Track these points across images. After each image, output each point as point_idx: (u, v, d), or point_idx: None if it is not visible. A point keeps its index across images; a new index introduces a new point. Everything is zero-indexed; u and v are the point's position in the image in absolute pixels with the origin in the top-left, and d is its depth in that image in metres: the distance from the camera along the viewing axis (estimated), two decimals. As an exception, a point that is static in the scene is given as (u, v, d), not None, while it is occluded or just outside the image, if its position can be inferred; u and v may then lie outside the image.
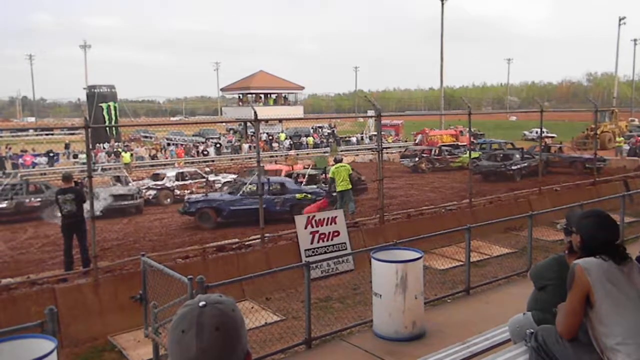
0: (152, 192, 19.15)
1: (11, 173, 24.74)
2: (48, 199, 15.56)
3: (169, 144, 38.53)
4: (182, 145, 37.58)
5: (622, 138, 33.08)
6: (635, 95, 74.99)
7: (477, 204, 13.37)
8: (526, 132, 43.04)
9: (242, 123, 42.28)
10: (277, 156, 33.77)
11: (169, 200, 19.10)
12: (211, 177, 21.31)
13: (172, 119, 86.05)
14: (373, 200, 15.03)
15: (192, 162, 30.70)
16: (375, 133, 21.80)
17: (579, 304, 2.77)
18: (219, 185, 20.13)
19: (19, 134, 48.36)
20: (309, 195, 14.96)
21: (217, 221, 14.62)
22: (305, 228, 9.96)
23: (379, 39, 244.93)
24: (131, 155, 31.08)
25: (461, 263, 8.94)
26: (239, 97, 55.75)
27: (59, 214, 9.65)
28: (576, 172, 20.64)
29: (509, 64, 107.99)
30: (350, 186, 13.28)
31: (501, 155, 23.03)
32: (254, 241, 10.11)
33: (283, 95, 54.62)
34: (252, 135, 39.92)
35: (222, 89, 62.32)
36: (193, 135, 41.73)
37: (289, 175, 18.81)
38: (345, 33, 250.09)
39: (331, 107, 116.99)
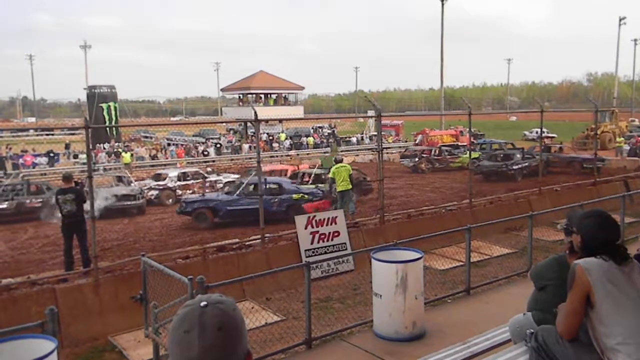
0: (154, 192, 19.20)
1: (12, 173, 24.75)
2: (49, 199, 15.55)
3: (169, 144, 38.55)
4: (182, 145, 37.59)
5: (622, 138, 33.08)
6: (636, 96, 74.99)
7: (477, 204, 13.37)
8: (526, 132, 43.00)
9: (243, 123, 42.26)
10: (277, 156, 33.78)
11: (170, 200, 19.09)
12: (213, 177, 21.29)
13: (172, 119, 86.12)
14: (373, 201, 15.05)
15: (193, 162, 30.70)
16: (376, 133, 21.83)
17: (580, 304, 2.76)
18: (221, 185, 20.15)
19: (20, 134, 48.44)
20: (306, 196, 14.96)
21: (214, 221, 14.62)
22: (306, 228, 9.96)
23: (379, 39, 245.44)
24: (131, 155, 31.05)
25: (461, 263, 8.94)
26: (239, 97, 55.87)
27: (59, 214, 9.66)
28: (574, 172, 20.65)
29: (509, 64, 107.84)
30: (350, 186, 13.29)
31: (502, 155, 23.04)
32: (254, 241, 10.11)
33: (283, 95, 54.71)
34: (252, 136, 39.89)
35: (222, 89, 62.51)
36: (193, 136, 41.71)
37: (295, 174, 18.84)
38: (345, 33, 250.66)
39: (331, 107, 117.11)
